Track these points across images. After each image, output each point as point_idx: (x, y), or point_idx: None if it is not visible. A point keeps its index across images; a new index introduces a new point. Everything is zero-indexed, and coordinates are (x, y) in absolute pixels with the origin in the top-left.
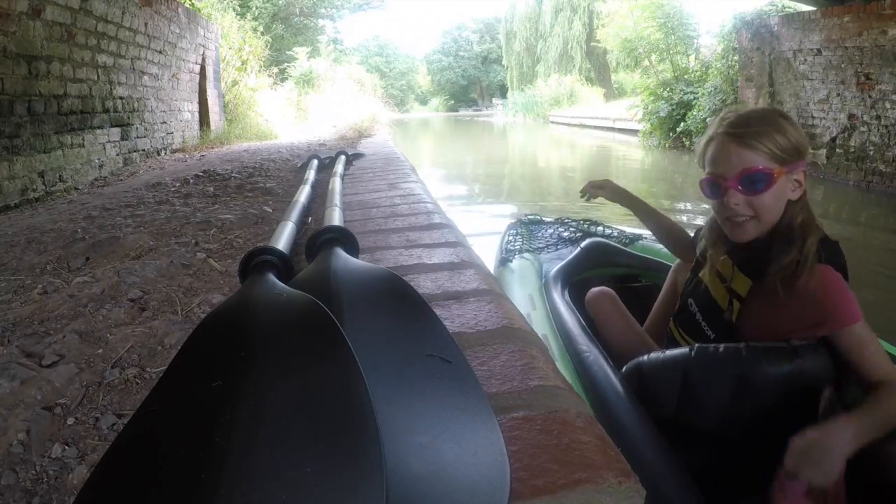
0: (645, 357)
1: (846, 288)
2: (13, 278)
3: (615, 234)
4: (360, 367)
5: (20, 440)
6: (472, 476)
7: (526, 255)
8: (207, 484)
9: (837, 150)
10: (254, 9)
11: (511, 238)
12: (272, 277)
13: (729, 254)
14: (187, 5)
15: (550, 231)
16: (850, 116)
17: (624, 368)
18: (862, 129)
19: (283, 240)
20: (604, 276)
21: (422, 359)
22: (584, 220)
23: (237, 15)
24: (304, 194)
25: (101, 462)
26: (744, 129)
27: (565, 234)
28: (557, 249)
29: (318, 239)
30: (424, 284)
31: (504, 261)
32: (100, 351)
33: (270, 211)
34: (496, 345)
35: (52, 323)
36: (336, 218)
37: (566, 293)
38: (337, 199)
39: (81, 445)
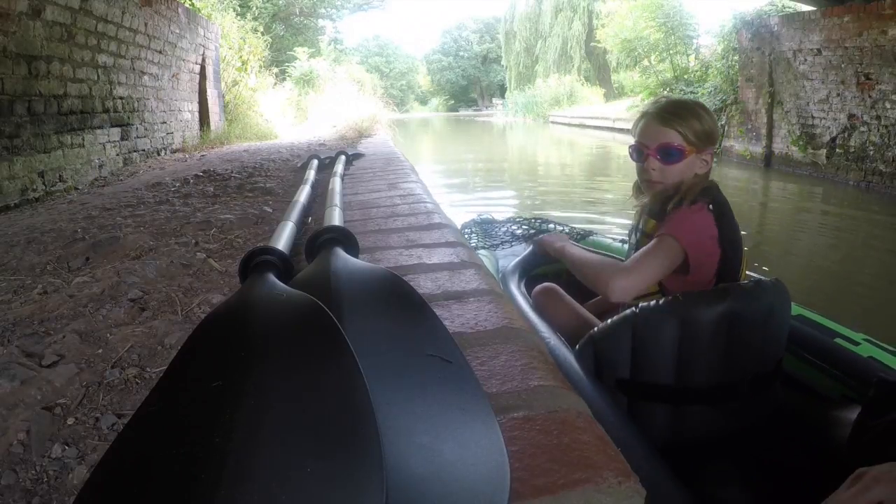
0: (595, 329)
1: (693, 217)
2: (13, 278)
3: (566, 230)
4: (360, 366)
5: (20, 440)
6: (472, 476)
7: (482, 251)
8: (207, 484)
9: (837, 150)
10: (254, 9)
11: (465, 237)
12: (272, 277)
13: (643, 205)
14: (187, 5)
15: (504, 229)
16: (850, 116)
17: (577, 346)
18: (862, 129)
19: (283, 240)
20: (557, 270)
21: (422, 359)
22: (536, 218)
23: (237, 15)
24: (304, 194)
25: (101, 462)
26: (669, 112)
27: (518, 231)
28: (511, 246)
29: (318, 239)
30: (424, 284)
31: None
32: (100, 351)
33: (270, 211)
34: (496, 345)
35: (52, 323)
36: (336, 218)
37: (522, 285)
38: (337, 199)
39: (81, 445)
